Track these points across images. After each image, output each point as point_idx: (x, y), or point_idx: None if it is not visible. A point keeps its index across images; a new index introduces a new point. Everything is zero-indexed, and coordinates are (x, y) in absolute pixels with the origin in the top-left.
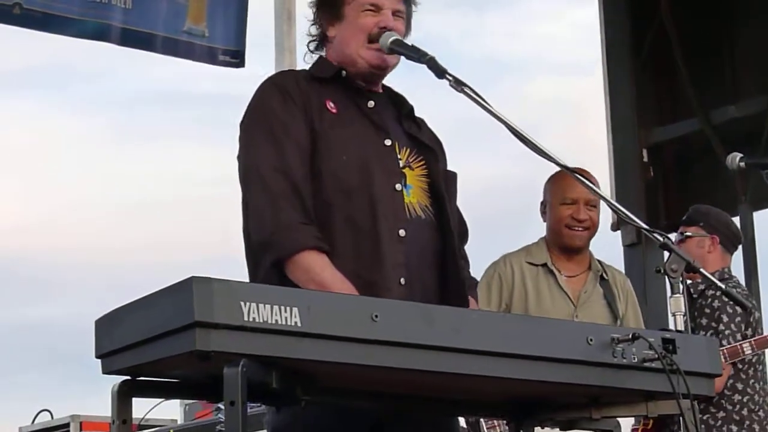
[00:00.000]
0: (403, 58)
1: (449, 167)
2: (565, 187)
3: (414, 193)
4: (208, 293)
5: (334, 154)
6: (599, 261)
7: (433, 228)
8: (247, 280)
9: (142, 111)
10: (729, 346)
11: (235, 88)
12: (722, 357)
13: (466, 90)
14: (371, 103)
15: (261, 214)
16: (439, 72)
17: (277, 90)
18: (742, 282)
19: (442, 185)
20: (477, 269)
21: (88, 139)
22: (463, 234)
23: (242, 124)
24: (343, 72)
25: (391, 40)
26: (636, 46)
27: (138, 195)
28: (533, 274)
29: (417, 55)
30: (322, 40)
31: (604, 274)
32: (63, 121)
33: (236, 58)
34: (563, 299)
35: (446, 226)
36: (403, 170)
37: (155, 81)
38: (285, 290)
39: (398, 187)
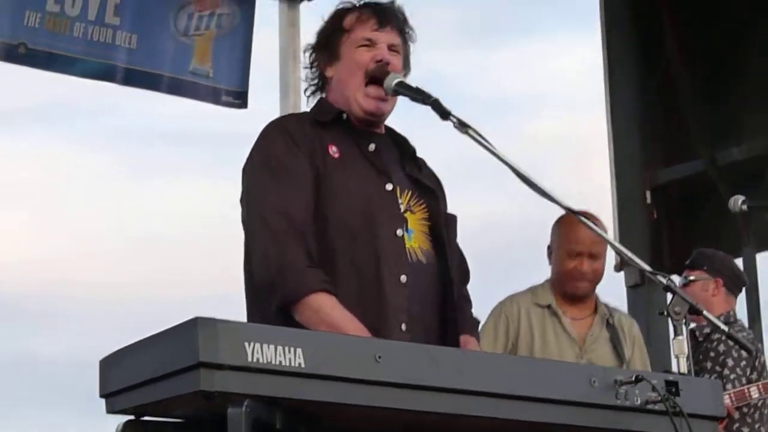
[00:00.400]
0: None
1: (450, 205)
2: (571, 238)
3: (415, 237)
4: (213, 334)
5: (337, 198)
6: (606, 305)
7: (434, 272)
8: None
9: (148, 147)
10: (736, 389)
11: (240, 127)
12: (729, 401)
13: (470, 132)
14: (372, 146)
15: (266, 256)
16: (444, 114)
17: (280, 133)
18: (746, 325)
19: (442, 228)
20: (479, 308)
21: (93, 174)
22: (465, 275)
23: (245, 167)
24: (344, 115)
25: (395, 82)
26: (641, 86)
27: (143, 231)
28: (539, 316)
29: (421, 96)
30: (321, 83)
31: (610, 318)
32: (69, 157)
33: (239, 99)
34: (568, 342)
35: (446, 270)
36: (405, 215)
37: (161, 118)
38: (289, 331)
39: (399, 232)
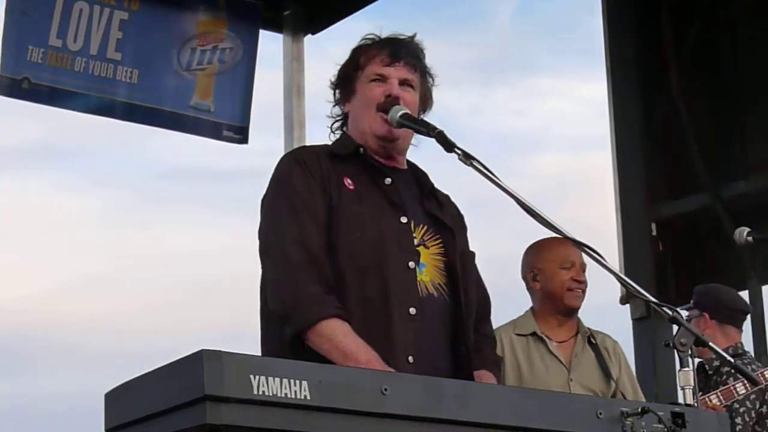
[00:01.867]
0: None
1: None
2: (561, 252)
3: (427, 271)
4: (218, 367)
5: (350, 231)
6: (587, 327)
7: (446, 307)
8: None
9: (150, 185)
10: (722, 388)
11: (244, 163)
12: (717, 400)
13: (474, 164)
14: (388, 180)
15: (281, 285)
16: (449, 146)
17: (298, 164)
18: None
19: (457, 265)
20: None
21: (95, 214)
22: (485, 310)
23: (264, 198)
24: (361, 149)
25: (399, 114)
26: (646, 120)
27: (146, 268)
28: (523, 345)
29: (426, 129)
30: (343, 120)
31: (592, 338)
32: (69, 196)
33: (240, 134)
34: (556, 365)
35: (459, 306)
36: (418, 248)
37: (164, 155)
38: (294, 363)
39: (411, 265)
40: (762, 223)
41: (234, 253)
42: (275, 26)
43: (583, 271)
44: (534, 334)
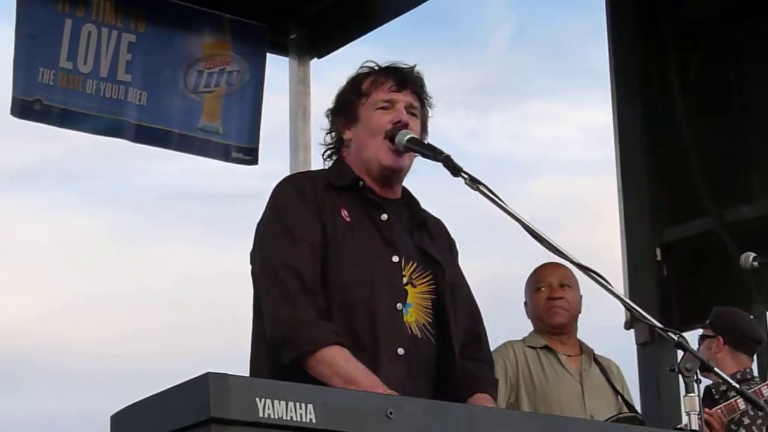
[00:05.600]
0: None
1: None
2: (536, 276)
3: (412, 311)
4: (224, 389)
5: (342, 267)
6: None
7: (431, 348)
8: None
9: (153, 208)
10: (726, 403)
11: (248, 186)
12: (721, 413)
13: (481, 188)
14: (384, 216)
15: (277, 312)
16: (455, 170)
17: (295, 191)
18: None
19: (447, 300)
20: None
21: (98, 235)
22: (479, 337)
23: (259, 223)
24: (361, 182)
25: (406, 138)
26: (650, 145)
27: (145, 290)
28: (534, 357)
29: (433, 153)
30: (338, 146)
31: (595, 356)
32: (74, 217)
33: (249, 155)
34: (569, 377)
35: (447, 343)
36: (405, 287)
37: (167, 177)
38: (300, 387)
39: (399, 306)
40: (766, 247)
41: (234, 276)
42: (281, 50)
43: (562, 286)
44: (546, 347)
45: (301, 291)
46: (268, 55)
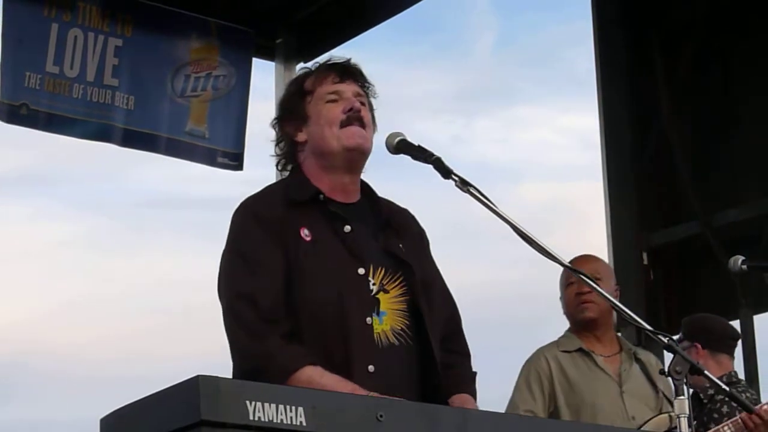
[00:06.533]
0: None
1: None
2: (566, 271)
3: (387, 319)
4: (215, 392)
5: (308, 287)
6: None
7: (410, 351)
8: None
9: (134, 212)
10: (713, 429)
11: (232, 192)
12: None
13: (471, 190)
14: (348, 228)
15: (242, 344)
16: (446, 172)
17: (253, 218)
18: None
19: (420, 299)
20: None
21: (80, 241)
22: (455, 327)
23: (222, 254)
24: (321, 195)
25: (397, 140)
26: (637, 149)
27: (130, 296)
28: (570, 361)
29: (423, 155)
30: (293, 152)
31: (636, 353)
32: (52, 223)
33: (235, 160)
34: (607, 379)
35: (426, 344)
36: (377, 296)
37: (149, 184)
38: (290, 389)
39: (368, 320)
40: (753, 251)
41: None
42: (268, 55)
43: (597, 281)
44: (580, 349)
45: (261, 320)
46: (255, 60)
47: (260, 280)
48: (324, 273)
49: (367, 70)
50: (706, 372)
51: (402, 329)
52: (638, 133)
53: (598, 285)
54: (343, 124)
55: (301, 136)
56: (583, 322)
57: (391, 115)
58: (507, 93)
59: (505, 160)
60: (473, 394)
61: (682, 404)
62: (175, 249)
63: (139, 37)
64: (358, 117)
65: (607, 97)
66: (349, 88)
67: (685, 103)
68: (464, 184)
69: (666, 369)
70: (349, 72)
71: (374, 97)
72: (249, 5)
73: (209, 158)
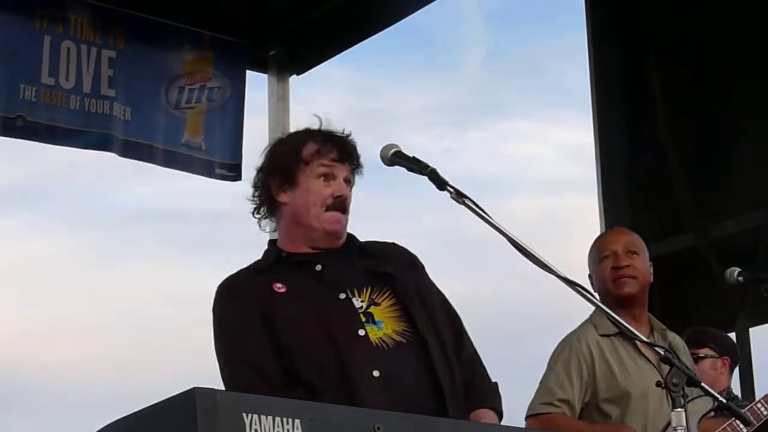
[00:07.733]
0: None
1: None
2: (599, 244)
3: (386, 325)
4: (211, 405)
5: (293, 329)
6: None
7: (418, 344)
8: None
9: (123, 227)
10: None
11: (227, 206)
12: None
13: (467, 202)
14: (319, 267)
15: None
16: (440, 184)
17: (230, 294)
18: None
19: (407, 301)
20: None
21: (74, 257)
22: (457, 330)
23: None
24: (284, 253)
25: (392, 152)
26: (632, 160)
27: (119, 312)
28: (609, 346)
29: (418, 166)
30: (270, 206)
31: (664, 331)
32: (41, 238)
33: (233, 171)
34: (647, 365)
35: (425, 346)
36: (369, 310)
37: (143, 198)
38: (287, 402)
39: (361, 332)
40: (749, 263)
41: (211, 297)
42: (260, 66)
43: (628, 253)
44: (619, 333)
45: (254, 380)
46: (248, 73)
47: (249, 345)
48: (306, 311)
49: (358, 83)
50: (703, 384)
51: (404, 330)
52: (633, 143)
53: (635, 258)
54: (328, 208)
55: (283, 197)
56: (621, 298)
57: (382, 128)
58: (498, 106)
59: (496, 173)
60: (493, 406)
61: (679, 416)
62: (170, 264)
63: (132, 49)
64: (343, 206)
65: (601, 109)
66: (342, 172)
67: (680, 114)
68: (459, 196)
69: (664, 381)
70: (347, 152)
71: (360, 176)
72: (241, 17)
73: (207, 170)
